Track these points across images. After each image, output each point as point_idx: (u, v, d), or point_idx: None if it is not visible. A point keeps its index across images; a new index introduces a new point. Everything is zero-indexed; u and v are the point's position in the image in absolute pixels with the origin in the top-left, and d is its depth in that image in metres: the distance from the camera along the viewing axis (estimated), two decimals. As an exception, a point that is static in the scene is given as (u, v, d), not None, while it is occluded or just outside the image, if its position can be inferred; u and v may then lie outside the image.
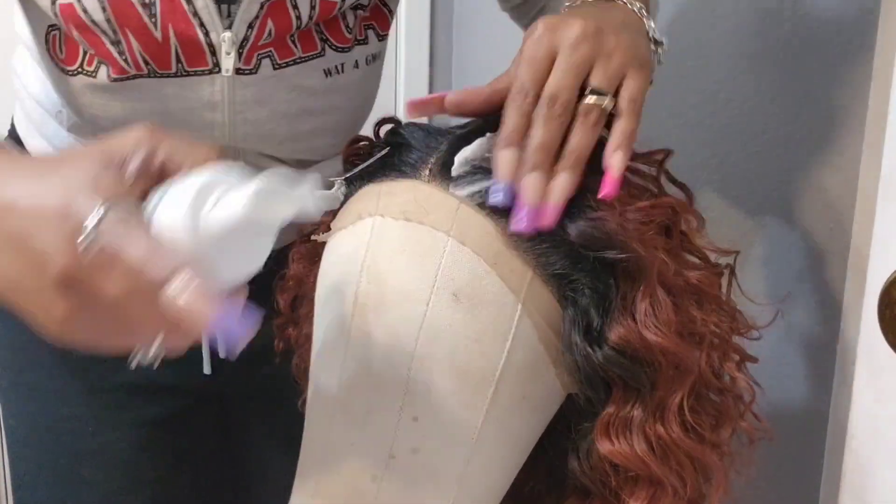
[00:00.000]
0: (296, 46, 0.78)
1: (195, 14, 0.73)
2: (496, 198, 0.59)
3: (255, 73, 0.77)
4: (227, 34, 0.74)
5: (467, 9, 1.50)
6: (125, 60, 0.75)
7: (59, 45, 0.79)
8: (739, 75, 1.03)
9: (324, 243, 0.67)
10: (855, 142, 0.92)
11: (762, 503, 0.81)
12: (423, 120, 0.69)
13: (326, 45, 0.79)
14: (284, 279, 0.76)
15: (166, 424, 0.94)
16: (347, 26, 0.80)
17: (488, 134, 0.63)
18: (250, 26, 0.74)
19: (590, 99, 0.60)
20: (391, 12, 0.84)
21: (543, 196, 0.59)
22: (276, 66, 0.78)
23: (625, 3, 0.69)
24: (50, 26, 0.79)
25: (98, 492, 0.93)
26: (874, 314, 0.79)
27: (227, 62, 0.75)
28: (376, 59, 0.85)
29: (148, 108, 0.78)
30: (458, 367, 0.59)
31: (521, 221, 0.58)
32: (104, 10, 0.72)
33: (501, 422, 0.61)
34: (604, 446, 0.61)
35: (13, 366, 0.93)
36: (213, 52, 0.75)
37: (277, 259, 0.79)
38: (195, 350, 0.93)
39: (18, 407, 0.94)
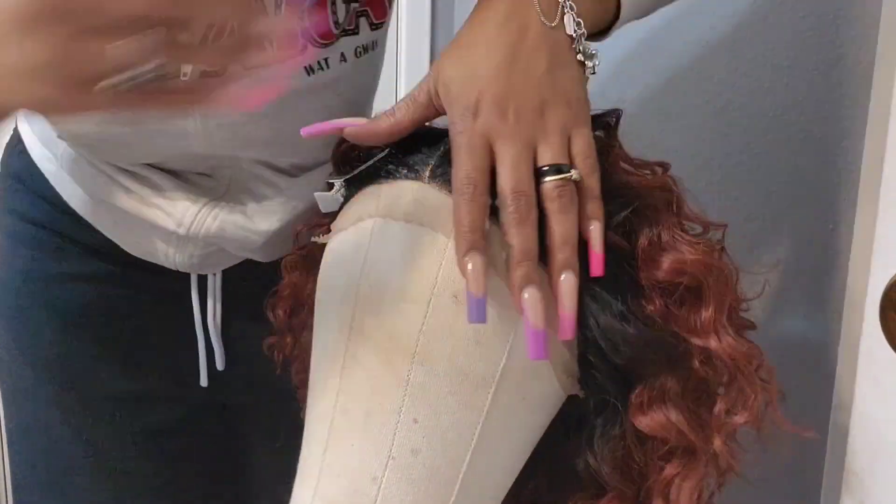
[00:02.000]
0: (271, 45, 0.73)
1: None
2: (476, 316, 0.56)
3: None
4: None
5: (468, 9, 1.50)
6: None
7: None
8: (740, 77, 1.03)
9: (320, 250, 0.67)
10: (857, 143, 0.91)
11: (763, 505, 0.81)
12: None
13: (309, 43, 0.73)
14: (278, 292, 0.76)
15: (162, 435, 0.92)
16: (336, 21, 0.73)
17: None
18: None
19: (551, 179, 0.58)
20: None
21: (558, 306, 0.57)
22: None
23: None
24: None
25: (89, 500, 0.91)
26: (876, 316, 0.79)
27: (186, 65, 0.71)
28: (369, 50, 0.78)
29: (120, 119, 0.74)
30: (458, 368, 0.59)
31: (539, 350, 0.57)
32: None
33: (501, 423, 0.61)
34: (640, 421, 0.61)
35: (10, 370, 0.93)
36: None
37: (273, 274, 0.76)
38: (192, 361, 0.91)
39: (16, 408, 0.94)
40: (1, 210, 0.93)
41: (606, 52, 0.66)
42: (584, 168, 0.59)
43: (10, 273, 0.91)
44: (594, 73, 0.64)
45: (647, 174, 0.64)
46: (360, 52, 0.77)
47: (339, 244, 0.64)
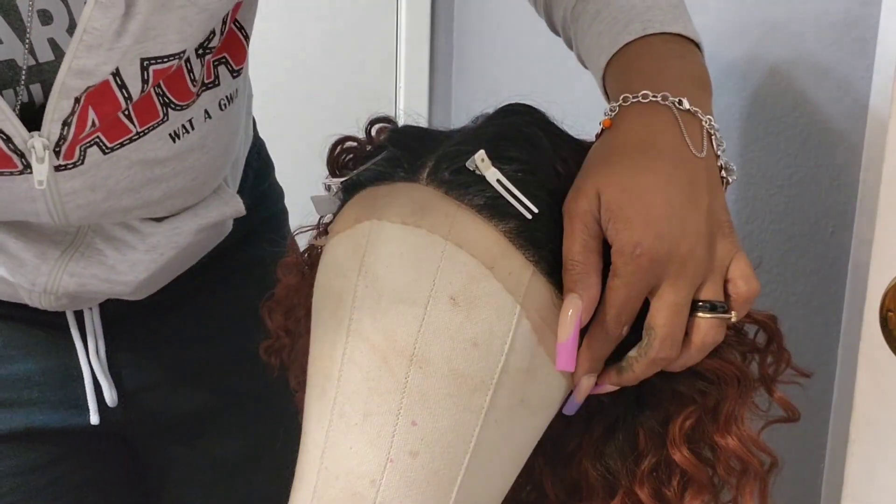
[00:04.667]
0: (131, 121, 0.66)
1: None
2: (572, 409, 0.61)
3: (82, 163, 0.65)
4: (37, 139, 0.60)
5: (467, 11, 1.50)
6: None
7: None
8: (740, 78, 1.03)
9: (317, 253, 0.67)
10: (856, 144, 0.91)
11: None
12: (422, 123, 0.69)
13: (168, 108, 0.66)
14: (272, 297, 0.75)
15: (52, 468, 0.86)
16: (192, 79, 0.67)
17: None
18: (66, 124, 0.61)
19: (706, 316, 0.57)
20: (247, 38, 0.71)
21: None
22: (107, 150, 0.65)
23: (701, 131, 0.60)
24: None
25: None
26: (876, 318, 0.79)
27: (41, 171, 0.62)
28: (233, 99, 0.72)
29: None
30: (456, 370, 0.59)
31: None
32: None
33: (500, 425, 0.61)
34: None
35: None
36: (21, 156, 0.62)
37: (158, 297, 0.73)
38: (77, 396, 0.84)
39: None
40: None
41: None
42: (738, 298, 0.58)
43: None
44: (730, 184, 0.62)
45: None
46: (223, 105, 0.72)
47: (336, 246, 0.64)
